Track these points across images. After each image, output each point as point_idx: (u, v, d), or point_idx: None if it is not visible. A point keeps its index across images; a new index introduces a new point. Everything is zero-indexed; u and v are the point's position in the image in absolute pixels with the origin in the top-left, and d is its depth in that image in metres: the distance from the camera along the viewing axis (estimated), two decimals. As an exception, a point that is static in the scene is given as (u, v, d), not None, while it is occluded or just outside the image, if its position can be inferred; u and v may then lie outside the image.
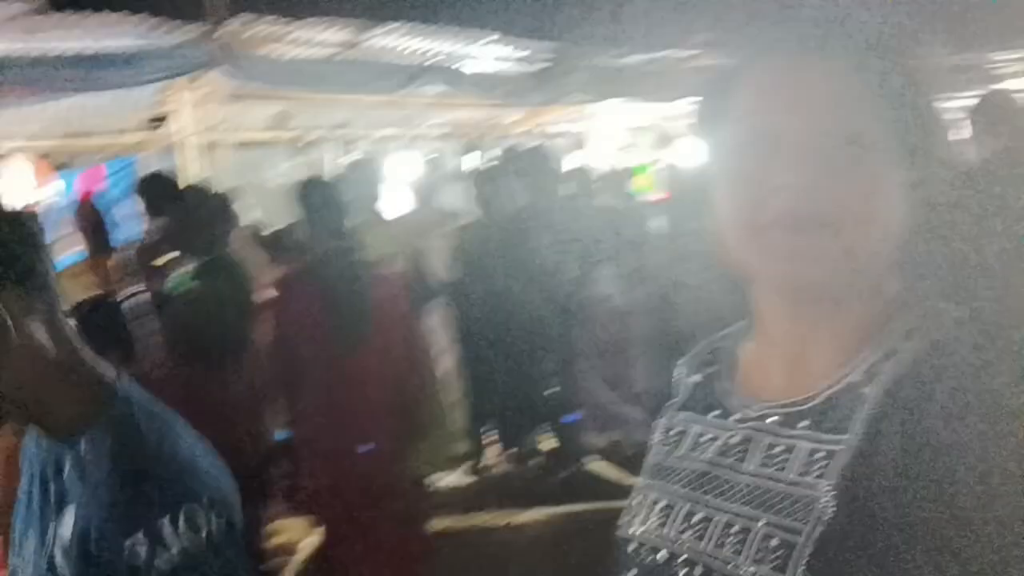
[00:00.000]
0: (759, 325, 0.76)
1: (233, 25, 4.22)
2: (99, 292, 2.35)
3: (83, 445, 0.86)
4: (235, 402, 2.25)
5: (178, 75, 4.17)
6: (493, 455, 4.43)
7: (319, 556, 2.91)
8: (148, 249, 2.29)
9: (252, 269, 2.50)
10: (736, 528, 0.67)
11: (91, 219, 3.23)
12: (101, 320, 1.92)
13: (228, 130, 4.77)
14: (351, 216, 2.49)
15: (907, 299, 0.70)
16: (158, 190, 2.52)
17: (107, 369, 0.94)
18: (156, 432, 0.89)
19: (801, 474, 0.65)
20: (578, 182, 4.58)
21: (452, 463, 4.12)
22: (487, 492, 4.14)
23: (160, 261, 2.10)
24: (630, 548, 0.76)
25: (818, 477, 0.63)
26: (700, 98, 0.75)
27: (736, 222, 0.68)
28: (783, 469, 0.67)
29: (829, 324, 0.70)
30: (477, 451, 4.35)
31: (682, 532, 0.71)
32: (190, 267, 2.10)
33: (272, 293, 2.41)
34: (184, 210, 2.36)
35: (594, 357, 4.29)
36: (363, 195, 3.47)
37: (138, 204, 2.57)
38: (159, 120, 5.70)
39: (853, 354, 0.68)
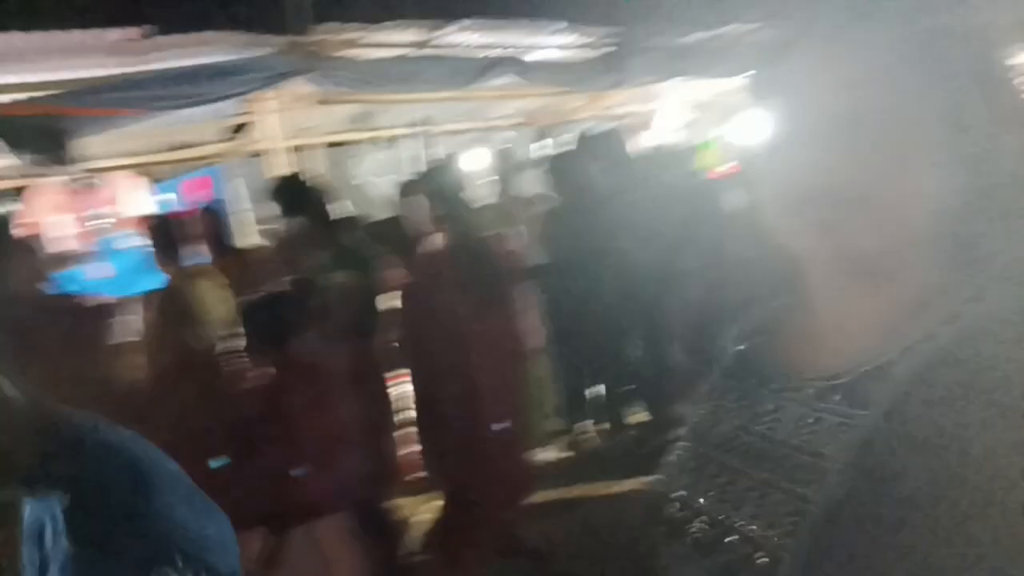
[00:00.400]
0: (804, 298, 0.76)
1: (315, 35, 4.44)
2: (240, 290, 2.60)
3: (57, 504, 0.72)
4: (375, 376, 2.48)
5: (268, 85, 4.41)
6: (586, 430, 4.59)
7: (438, 530, 3.11)
8: (287, 246, 2.52)
9: (375, 255, 2.77)
10: (756, 493, 0.69)
11: (212, 225, 3.50)
12: (264, 314, 2.15)
13: (314, 133, 5.00)
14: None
15: (954, 280, 0.68)
16: (294, 191, 2.75)
17: (79, 417, 0.80)
18: (128, 484, 0.76)
19: (821, 445, 0.66)
20: (649, 162, 4.67)
21: (549, 439, 4.29)
22: (583, 465, 4.30)
23: (303, 256, 2.32)
24: (660, 504, 0.78)
25: (838, 449, 0.64)
26: (753, 73, 0.75)
27: (778, 195, 0.69)
28: (810, 440, 0.67)
29: (871, 301, 0.70)
30: (570, 427, 4.51)
31: (707, 491, 0.74)
32: (328, 259, 2.32)
33: (404, 273, 2.67)
34: (317, 208, 2.60)
35: (678, 331, 4.40)
36: (452, 186, 3.67)
37: (271, 206, 2.79)
38: (239, 129, 6.02)
39: (892, 333, 0.68)
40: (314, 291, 2.23)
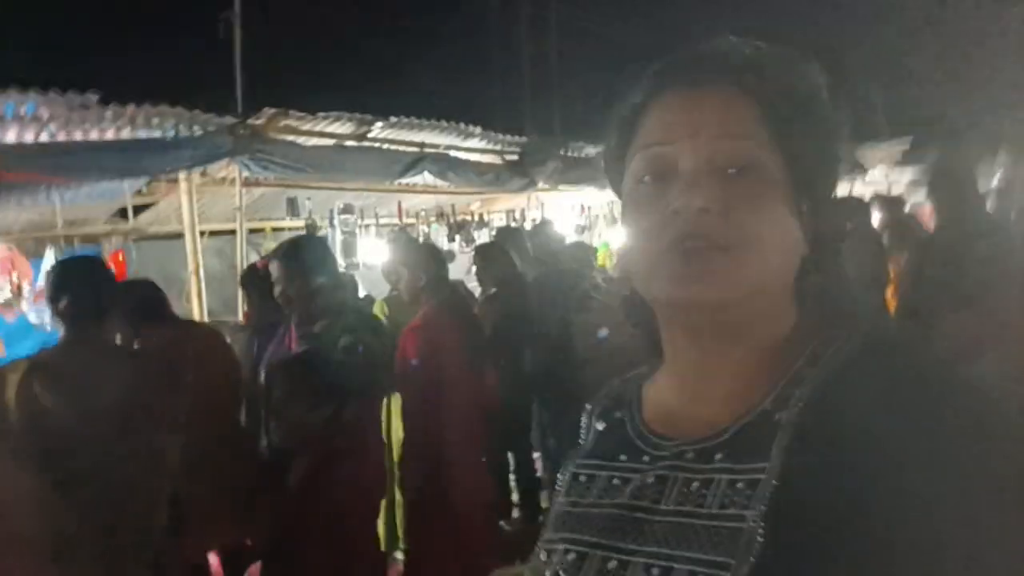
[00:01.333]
0: (666, 362, 0.77)
1: (257, 118, 4.57)
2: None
3: None
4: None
5: (205, 163, 4.44)
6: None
7: None
8: (303, 317, 2.62)
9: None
10: (655, 570, 0.64)
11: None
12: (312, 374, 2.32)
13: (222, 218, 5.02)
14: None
15: (807, 326, 0.71)
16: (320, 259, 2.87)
17: None
18: None
19: (722, 507, 0.64)
20: (571, 255, 5.08)
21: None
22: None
23: (318, 328, 2.48)
24: None
25: (742, 508, 0.62)
26: (608, 138, 0.77)
27: (639, 249, 0.69)
28: (701, 504, 0.65)
29: (732, 354, 0.70)
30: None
31: None
32: (339, 326, 2.45)
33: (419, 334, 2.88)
34: (334, 280, 2.74)
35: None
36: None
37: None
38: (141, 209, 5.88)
39: (760, 382, 0.69)
40: (324, 355, 2.37)
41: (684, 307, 0.68)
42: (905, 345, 0.68)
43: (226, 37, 6.48)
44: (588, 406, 0.85)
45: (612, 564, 0.68)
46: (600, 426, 0.82)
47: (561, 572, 0.71)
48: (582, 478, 0.78)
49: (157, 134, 4.29)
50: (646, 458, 0.73)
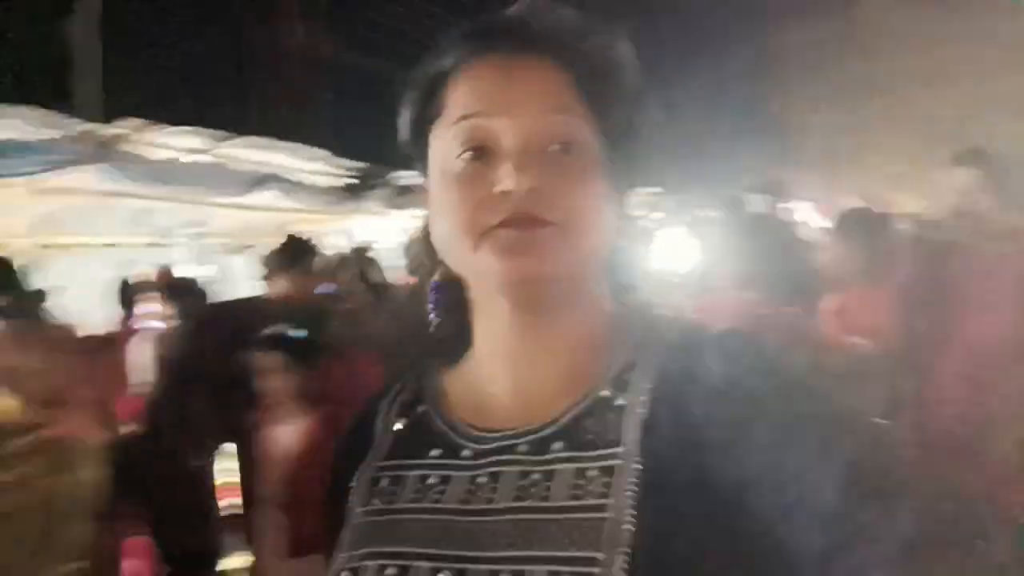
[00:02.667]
0: (480, 350, 0.72)
1: (111, 126, 4.49)
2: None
3: None
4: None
5: (56, 170, 4.27)
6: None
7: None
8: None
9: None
10: None
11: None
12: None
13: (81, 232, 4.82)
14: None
15: (621, 313, 0.71)
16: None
17: None
18: None
19: (573, 498, 0.61)
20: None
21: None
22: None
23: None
24: None
25: (600, 497, 0.60)
26: (409, 106, 0.71)
27: (461, 227, 0.65)
28: (546, 498, 0.62)
29: (555, 338, 0.68)
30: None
31: None
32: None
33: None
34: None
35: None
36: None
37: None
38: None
39: (585, 369, 0.68)
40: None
41: (514, 282, 0.64)
42: (719, 333, 0.69)
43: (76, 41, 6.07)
44: (378, 405, 0.77)
45: (445, 575, 0.61)
46: (399, 424, 0.74)
47: None
48: (384, 482, 0.71)
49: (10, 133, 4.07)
50: (467, 452, 0.68)
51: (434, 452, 0.70)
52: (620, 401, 0.65)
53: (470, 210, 0.64)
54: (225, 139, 5.22)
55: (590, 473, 0.62)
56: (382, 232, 7.92)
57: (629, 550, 0.57)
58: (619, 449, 0.62)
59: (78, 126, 4.35)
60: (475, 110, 0.66)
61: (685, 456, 0.60)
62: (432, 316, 0.75)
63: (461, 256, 0.67)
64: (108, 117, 4.55)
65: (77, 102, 4.38)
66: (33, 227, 4.73)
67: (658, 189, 6.12)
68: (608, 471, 0.61)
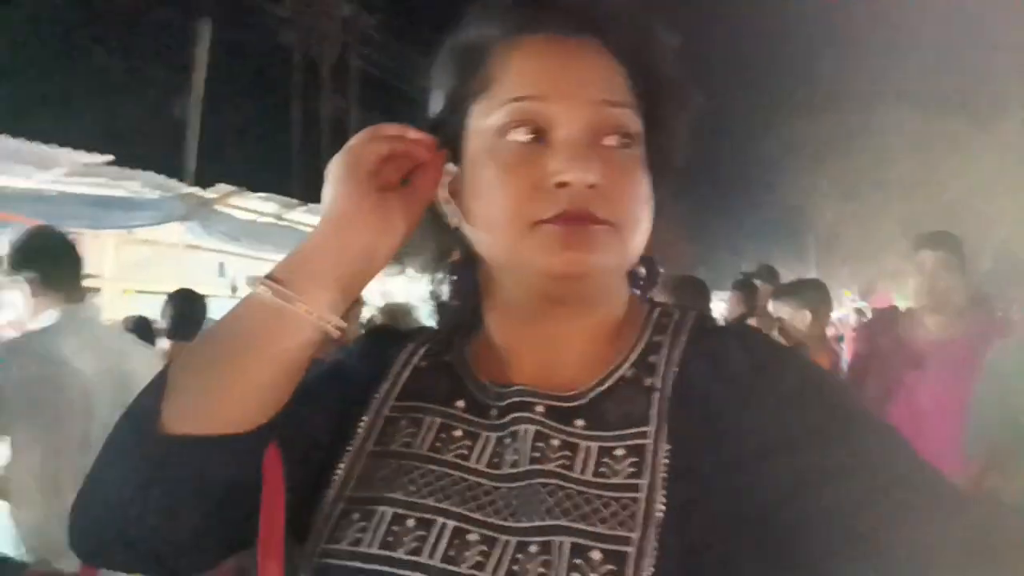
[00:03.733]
0: (506, 321, 0.70)
1: (207, 191, 5.34)
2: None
3: None
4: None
5: (161, 223, 5.09)
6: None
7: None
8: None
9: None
10: (533, 548, 0.56)
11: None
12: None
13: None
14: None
15: (634, 298, 0.72)
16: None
17: None
18: None
19: (599, 475, 0.60)
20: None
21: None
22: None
23: None
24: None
25: (632, 476, 0.59)
26: (442, 74, 0.68)
27: (509, 214, 0.61)
28: (569, 468, 0.60)
29: (584, 322, 0.68)
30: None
31: (453, 559, 0.57)
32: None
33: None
34: None
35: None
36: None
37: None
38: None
39: (608, 349, 0.67)
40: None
41: (560, 278, 0.62)
42: (733, 324, 0.94)
43: (181, 116, 7.08)
44: (402, 340, 0.74)
45: (472, 536, 0.58)
46: (422, 363, 0.72)
47: (393, 540, 0.58)
48: (402, 422, 0.67)
49: (121, 193, 4.91)
50: (493, 412, 0.66)
51: (459, 403, 0.68)
52: (647, 381, 0.65)
53: (522, 198, 0.61)
54: (294, 206, 6.06)
55: (617, 452, 0.61)
56: (415, 289, 8.73)
57: (660, 531, 0.56)
58: (646, 429, 0.61)
59: (182, 188, 5.19)
60: (531, 92, 0.63)
61: (710, 437, 0.60)
62: (448, 298, 0.73)
63: (503, 243, 0.63)
64: (200, 181, 5.38)
65: (178, 166, 5.20)
66: (119, 273, 5.54)
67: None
68: (636, 450, 0.60)
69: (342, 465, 0.65)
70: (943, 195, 14.56)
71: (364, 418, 0.68)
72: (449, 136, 0.68)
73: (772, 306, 3.44)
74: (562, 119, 0.62)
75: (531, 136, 0.63)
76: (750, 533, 0.56)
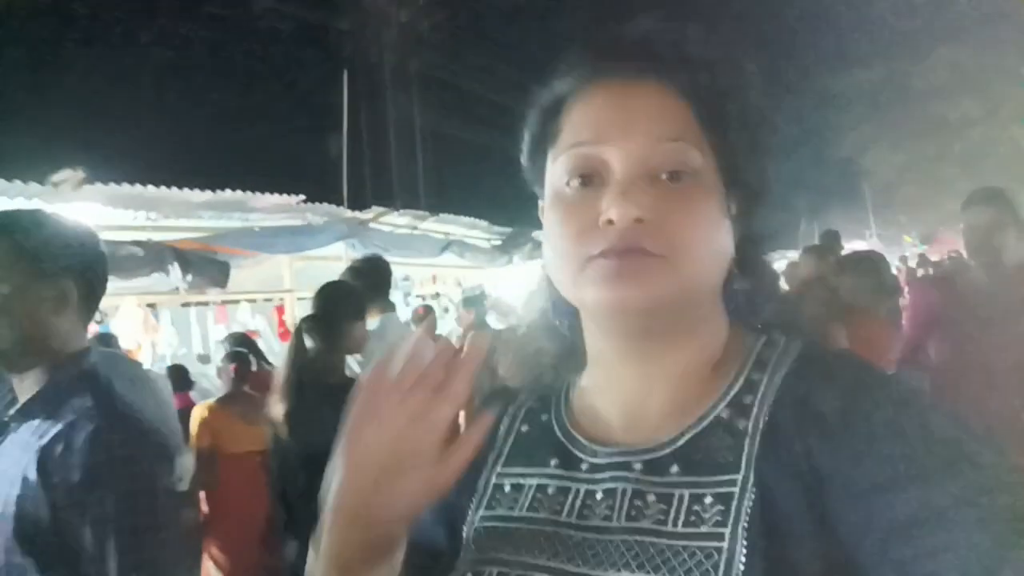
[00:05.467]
0: (595, 368, 0.73)
1: (363, 213, 6.58)
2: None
3: None
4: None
5: (332, 243, 6.32)
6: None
7: None
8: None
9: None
10: None
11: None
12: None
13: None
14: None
15: (739, 330, 0.70)
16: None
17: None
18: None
19: (689, 524, 0.60)
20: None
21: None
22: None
23: None
24: None
25: (717, 525, 0.59)
26: (527, 130, 0.73)
27: (565, 255, 0.65)
28: (663, 522, 0.61)
29: (669, 359, 0.68)
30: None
31: None
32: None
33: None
34: None
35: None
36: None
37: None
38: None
39: (703, 389, 0.67)
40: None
41: (615, 312, 0.65)
42: (840, 351, 0.68)
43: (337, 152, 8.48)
44: (507, 406, 0.79)
45: None
46: (524, 428, 0.76)
47: None
48: (507, 488, 0.72)
49: (300, 222, 6.15)
50: (584, 466, 0.69)
51: (553, 461, 0.71)
52: (740, 424, 0.64)
53: (574, 238, 0.65)
54: (425, 217, 7.27)
55: (706, 500, 0.61)
56: (524, 280, 9.92)
57: None
58: (736, 476, 0.61)
59: (344, 213, 6.42)
60: (586, 138, 0.66)
61: (798, 486, 0.58)
62: (558, 330, 0.76)
63: (565, 283, 0.67)
64: (352, 205, 6.63)
65: (330, 193, 6.43)
66: (296, 284, 6.81)
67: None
68: (724, 499, 0.60)
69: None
70: (1002, 133, 14.77)
71: (479, 486, 0.74)
72: (535, 183, 0.74)
73: (834, 277, 3.50)
74: (615, 160, 0.65)
75: (587, 180, 0.66)
76: None
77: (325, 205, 6.13)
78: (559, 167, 0.68)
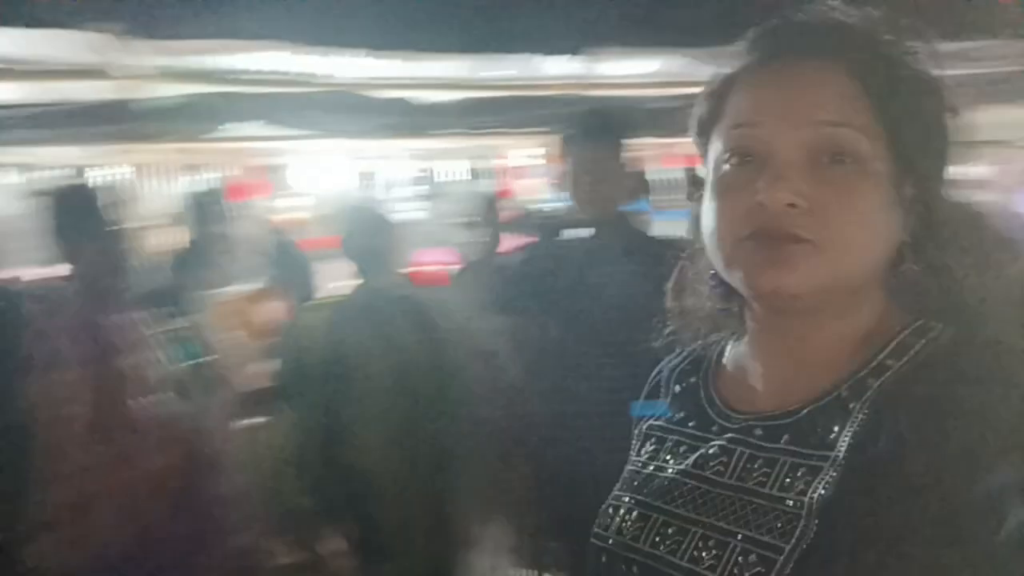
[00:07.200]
0: (748, 335, 0.76)
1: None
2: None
3: None
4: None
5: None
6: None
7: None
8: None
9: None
10: (712, 542, 0.66)
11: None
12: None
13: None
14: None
15: (896, 315, 0.69)
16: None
17: None
18: None
19: (782, 489, 0.64)
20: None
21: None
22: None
23: None
24: (603, 557, 0.75)
25: (800, 494, 0.62)
26: (698, 108, 0.74)
27: (720, 232, 0.67)
28: (763, 484, 0.65)
29: (814, 338, 0.69)
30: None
31: (656, 544, 0.70)
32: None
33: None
34: None
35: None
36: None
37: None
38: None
39: (839, 368, 0.67)
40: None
41: (762, 295, 0.67)
42: (993, 344, 0.64)
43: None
44: (669, 364, 0.85)
45: (671, 529, 0.69)
46: (677, 388, 0.82)
47: (624, 529, 0.74)
48: (652, 440, 0.80)
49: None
50: (714, 428, 0.74)
51: (691, 424, 0.77)
52: (852, 405, 0.65)
53: (727, 219, 0.66)
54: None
55: (801, 471, 0.64)
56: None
57: (804, 549, 0.59)
58: (829, 453, 0.63)
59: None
60: (746, 119, 0.67)
61: (887, 474, 0.58)
62: (713, 296, 0.78)
63: (718, 260, 0.69)
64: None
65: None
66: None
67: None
68: (815, 471, 0.62)
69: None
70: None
71: (635, 433, 0.85)
72: (704, 157, 0.75)
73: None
74: (774, 143, 0.65)
75: (746, 161, 0.67)
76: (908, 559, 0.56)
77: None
78: (718, 146, 0.70)
